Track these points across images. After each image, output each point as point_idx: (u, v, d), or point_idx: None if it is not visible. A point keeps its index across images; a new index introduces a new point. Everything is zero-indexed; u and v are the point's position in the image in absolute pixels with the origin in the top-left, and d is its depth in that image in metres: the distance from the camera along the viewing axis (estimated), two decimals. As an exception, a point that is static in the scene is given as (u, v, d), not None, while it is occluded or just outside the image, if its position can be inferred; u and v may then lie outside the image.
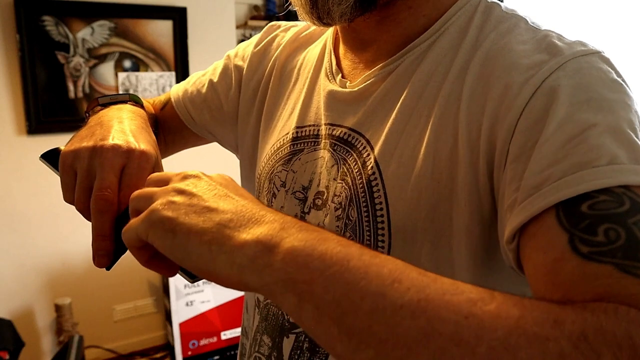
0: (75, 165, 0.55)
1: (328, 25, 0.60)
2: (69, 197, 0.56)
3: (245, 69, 0.77)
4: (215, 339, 2.39)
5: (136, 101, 0.69)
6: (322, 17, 0.57)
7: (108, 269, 0.51)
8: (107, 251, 0.50)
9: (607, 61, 0.49)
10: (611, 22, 3.25)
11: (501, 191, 0.48)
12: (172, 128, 0.84)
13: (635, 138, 0.43)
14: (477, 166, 0.50)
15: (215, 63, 0.82)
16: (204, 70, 0.84)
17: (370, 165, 0.57)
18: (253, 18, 3.00)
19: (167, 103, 0.85)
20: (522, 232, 0.44)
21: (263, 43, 0.77)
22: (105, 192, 0.51)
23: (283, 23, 0.79)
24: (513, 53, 0.51)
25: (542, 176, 0.42)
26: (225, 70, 0.80)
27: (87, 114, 0.68)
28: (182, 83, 0.85)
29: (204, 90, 0.81)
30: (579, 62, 0.48)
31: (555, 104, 0.45)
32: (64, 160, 0.56)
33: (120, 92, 2.33)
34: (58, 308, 2.25)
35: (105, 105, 0.67)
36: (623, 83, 0.48)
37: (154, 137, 0.61)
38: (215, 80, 0.80)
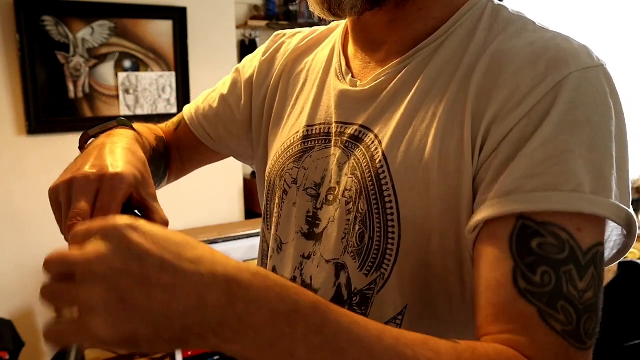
0: (60, 200, 0.56)
1: (337, 17, 0.61)
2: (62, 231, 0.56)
3: (255, 78, 0.79)
4: (215, 339, 2.40)
5: (125, 124, 0.69)
6: (332, 8, 0.59)
7: None
8: None
9: (607, 77, 0.52)
10: (611, 22, 3.25)
11: (477, 183, 0.53)
12: (187, 146, 0.86)
13: (604, 166, 0.49)
14: (474, 159, 0.53)
15: (224, 78, 0.85)
16: (213, 87, 0.86)
17: (379, 159, 0.58)
18: (253, 18, 3.00)
19: (181, 122, 0.87)
20: (483, 226, 0.50)
21: (270, 51, 0.79)
22: (73, 221, 0.51)
23: (288, 31, 0.81)
24: (521, 56, 0.53)
25: (515, 185, 0.49)
26: (235, 83, 0.81)
27: (81, 150, 0.69)
28: (193, 102, 0.87)
29: (215, 104, 0.83)
30: (580, 77, 0.50)
31: (546, 121, 0.49)
32: (50, 198, 0.57)
33: (120, 92, 2.34)
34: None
35: (95, 135, 0.67)
36: (612, 106, 0.51)
37: (140, 155, 0.61)
38: (225, 93, 0.82)
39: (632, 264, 2.12)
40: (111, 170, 0.55)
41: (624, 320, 2.07)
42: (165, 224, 0.54)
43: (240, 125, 0.80)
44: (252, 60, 0.81)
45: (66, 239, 0.53)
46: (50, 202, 0.57)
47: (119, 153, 0.58)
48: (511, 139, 0.50)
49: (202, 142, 0.84)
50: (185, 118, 0.86)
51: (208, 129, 0.83)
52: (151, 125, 0.86)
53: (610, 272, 2.10)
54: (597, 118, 0.50)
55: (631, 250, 0.56)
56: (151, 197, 0.57)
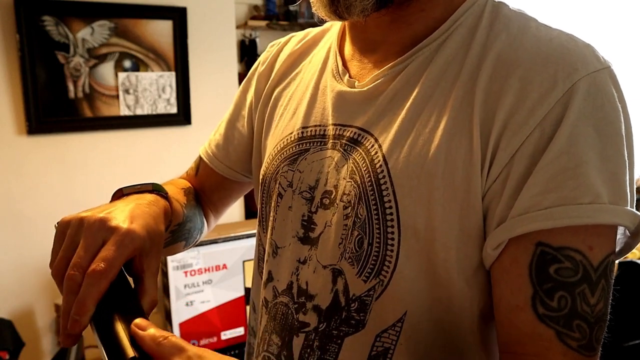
0: (66, 233, 0.55)
1: (342, 19, 0.60)
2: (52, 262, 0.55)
3: (255, 89, 0.79)
4: (215, 339, 2.39)
5: (159, 191, 0.68)
6: (339, 11, 0.58)
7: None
8: (75, 330, 0.49)
9: (614, 78, 0.52)
10: (612, 19, 3.25)
11: (490, 195, 0.52)
12: (213, 187, 0.86)
13: (618, 172, 0.50)
14: (483, 168, 0.52)
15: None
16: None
17: (379, 164, 0.57)
18: (253, 18, 3.01)
19: (199, 164, 0.86)
20: (505, 244, 0.52)
21: (268, 60, 0.79)
22: (76, 272, 0.50)
23: (282, 39, 0.81)
24: (527, 58, 0.53)
25: (532, 201, 0.49)
26: (237, 103, 0.82)
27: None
28: (207, 140, 0.87)
29: (223, 130, 0.83)
30: (589, 83, 0.50)
31: (558, 132, 0.50)
32: (58, 228, 0.56)
33: (120, 92, 2.34)
34: (58, 308, 2.25)
35: (129, 194, 0.66)
36: (621, 109, 0.51)
37: (160, 227, 0.60)
38: (230, 114, 0.83)
39: (632, 264, 2.12)
40: (125, 226, 0.53)
41: (624, 320, 2.07)
42: (153, 305, 0.53)
43: (249, 141, 0.80)
44: (251, 74, 0.81)
45: (54, 277, 0.53)
46: (56, 232, 0.56)
47: (141, 215, 0.57)
48: (525, 152, 0.50)
49: (223, 175, 0.83)
50: (201, 154, 0.85)
51: (222, 157, 0.82)
52: (178, 180, 0.85)
53: (610, 272, 2.10)
54: (608, 125, 0.50)
55: (631, 250, 0.56)
56: (150, 272, 0.55)
